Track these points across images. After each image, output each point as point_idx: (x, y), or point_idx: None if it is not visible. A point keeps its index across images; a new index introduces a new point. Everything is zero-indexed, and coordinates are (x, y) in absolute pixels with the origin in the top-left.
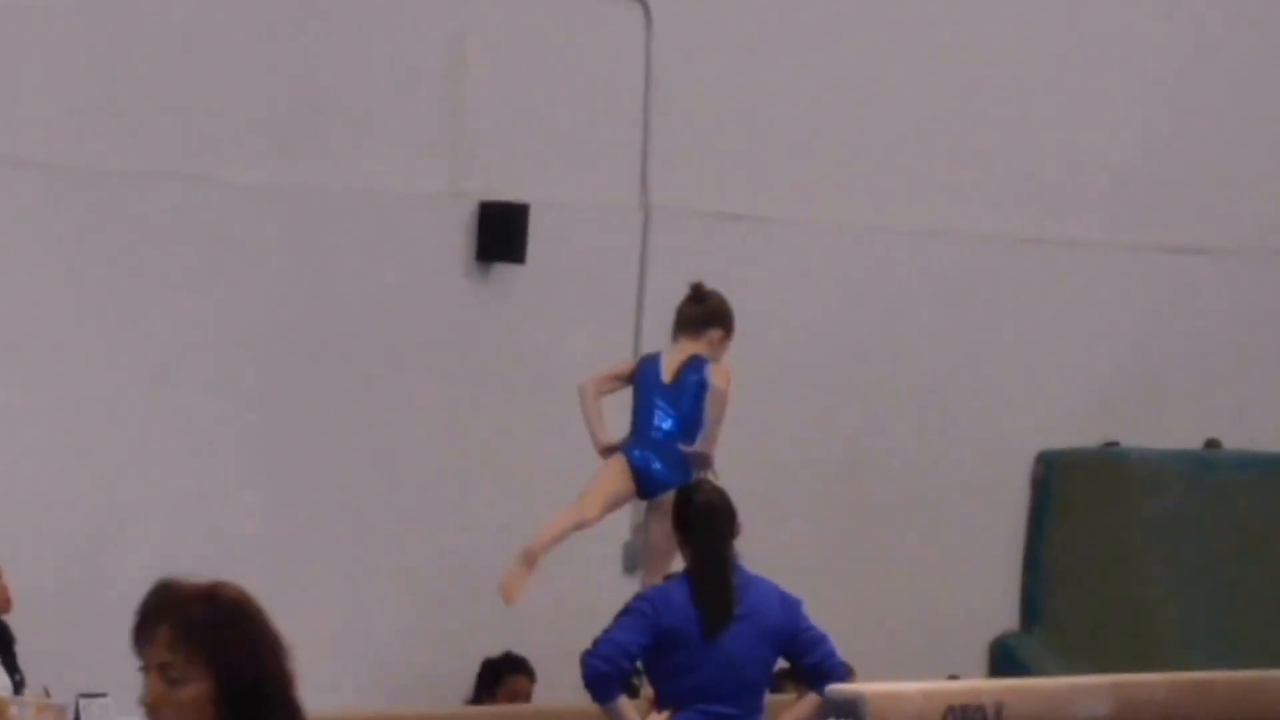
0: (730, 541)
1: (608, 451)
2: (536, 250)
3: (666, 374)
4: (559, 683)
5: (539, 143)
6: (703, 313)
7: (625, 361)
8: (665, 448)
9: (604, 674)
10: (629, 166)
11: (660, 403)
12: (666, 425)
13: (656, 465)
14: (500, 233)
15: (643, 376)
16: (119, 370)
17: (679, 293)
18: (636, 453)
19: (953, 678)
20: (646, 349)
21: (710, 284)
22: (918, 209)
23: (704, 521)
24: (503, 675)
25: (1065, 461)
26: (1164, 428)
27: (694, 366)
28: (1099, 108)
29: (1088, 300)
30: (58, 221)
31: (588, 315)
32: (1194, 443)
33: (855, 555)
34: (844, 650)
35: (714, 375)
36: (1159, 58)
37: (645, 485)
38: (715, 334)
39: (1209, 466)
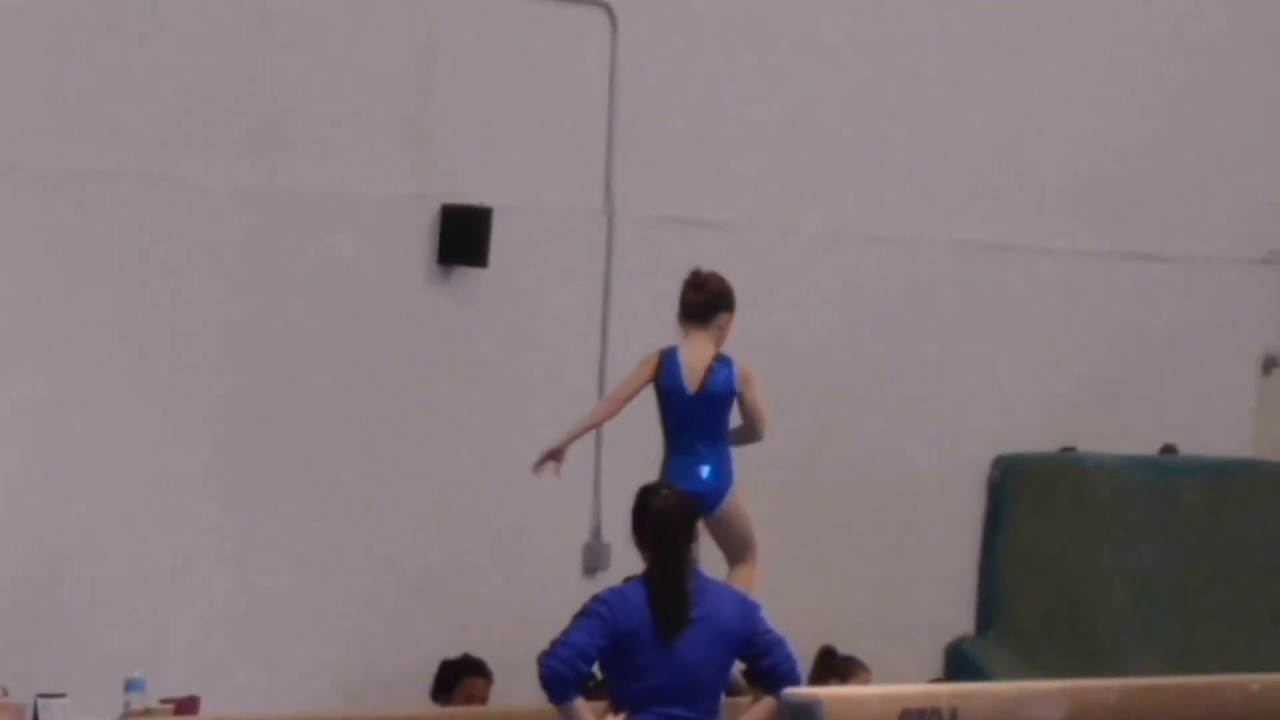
0: (688, 546)
1: (555, 454)
2: (499, 254)
3: (691, 382)
4: (516, 685)
5: (502, 146)
6: (707, 299)
7: (645, 364)
8: (705, 459)
9: (561, 675)
10: (593, 171)
11: (689, 419)
12: (700, 442)
13: (704, 477)
14: (462, 236)
15: (667, 381)
16: (83, 373)
17: (643, 298)
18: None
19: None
20: (611, 354)
21: (673, 292)
22: (880, 216)
23: (661, 526)
24: (460, 677)
25: (1022, 466)
26: (1120, 433)
27: (719, 375)
28: (1060, 115)
29: (1045, 306)
30: (22, 223)
31: (550, 320)
32: (1150, 448)
33: (812, 558)
34: (801, 653)
35: (743, 386)
36: (1119, 67)
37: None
38: (723, 318)
39: (1165, 472)
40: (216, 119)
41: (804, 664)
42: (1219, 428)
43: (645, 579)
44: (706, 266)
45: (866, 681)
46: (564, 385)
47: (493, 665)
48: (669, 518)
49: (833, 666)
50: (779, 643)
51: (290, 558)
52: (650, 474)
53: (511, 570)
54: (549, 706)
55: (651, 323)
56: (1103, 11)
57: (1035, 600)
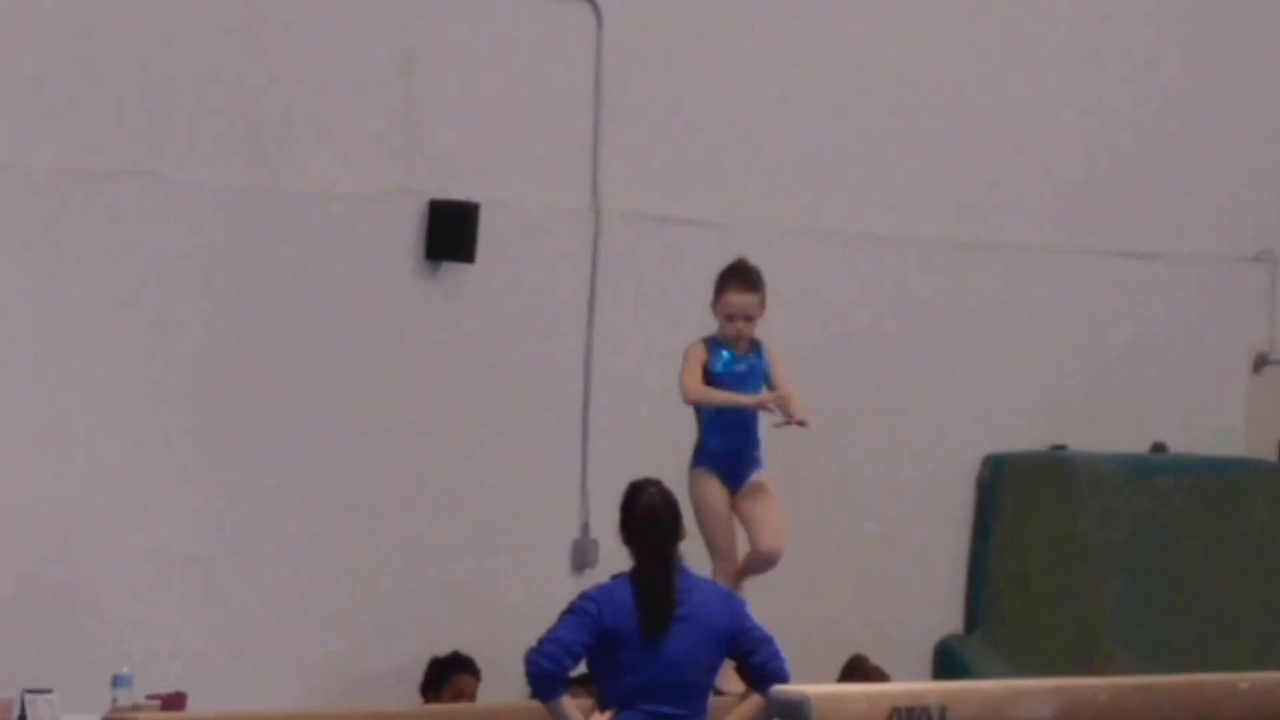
0: (674, 544)
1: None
2: (486, 250)
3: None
4: (505, 682)
5: (490, 142)
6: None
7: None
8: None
9: (548, 672)
10: (580, 168)
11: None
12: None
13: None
14: (450, 232)
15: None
16: (67, 370)
17: (629, 295)
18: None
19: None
20: (597, 350)
21: (659, 288)
22: (865, 213)
23: (647, 524)
24: (448, 674)
25: (1011, 465)
26: (1111, 432)
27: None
28: (1050, 113)
29: (1035, 305)
30: (6, 220)
31: (537, 316)
32: (1140, 447)
33: (800, 557)
34: (789, 651)
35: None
36: (1109, 65)
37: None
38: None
39: (1155, 470)
40: (202, 115)
41: (796, 663)
42: (1210, 426)
43: (632, 576)
44: (693, 263)
45: None
46: (551, 381)
47: (481, 661)
48: (655, 515)
49: (868, 675)
50: (767, 640)
51: (277, 554)
52: (638, 470)
53: (499, 567)
54: (537, 704)
55: (638, 318)
56: (1093, 10)
57: (1024, 599)
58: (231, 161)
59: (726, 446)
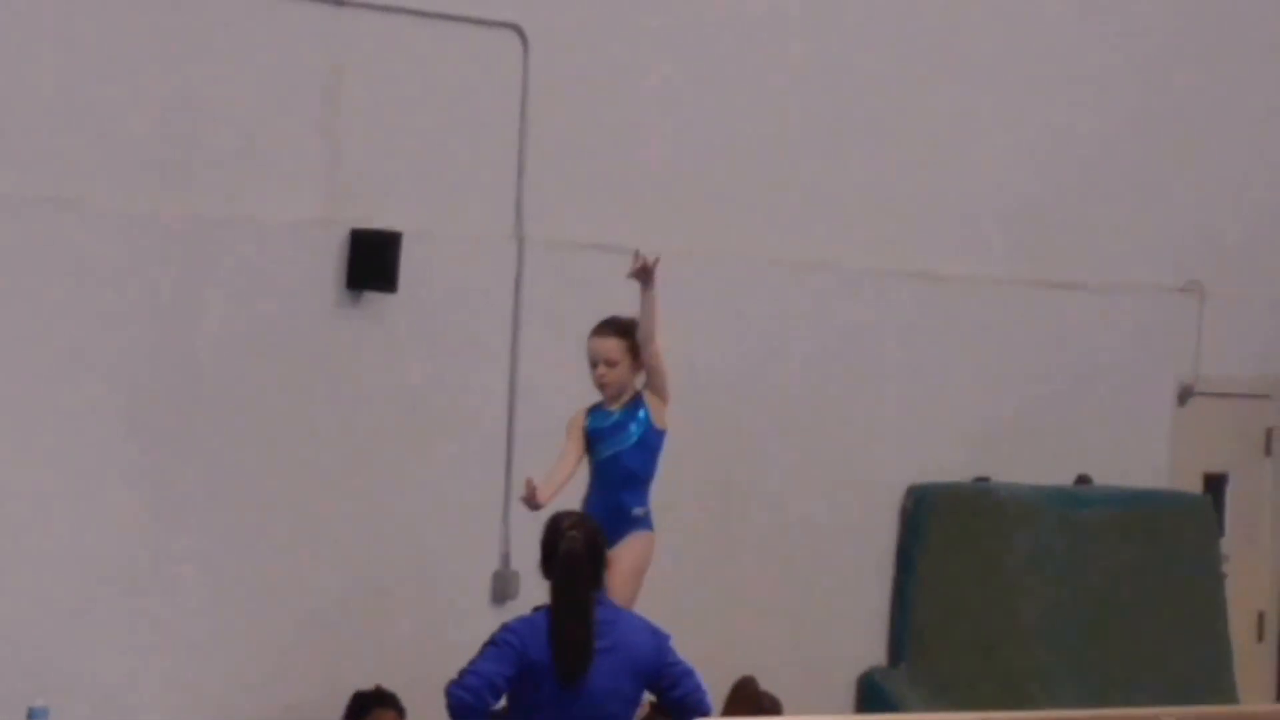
0: (593, 589)
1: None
2: (408, 279)
3: None
4: (425, 714)
5: (412, 170)
6: None
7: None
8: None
9: (468, 705)
10: (504, 195)
11: None
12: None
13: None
14: (371, 261)
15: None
16: None
17: (553, 324)
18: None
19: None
20: (521, 381)
21: (583, 317)
22: (792, 242)
23: (567, 570)
24: (370, 709)
25: (936, 496)
26: (1035, 464)
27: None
28: (980, 144)
29: (960, 335)
30: None
31: (460, 346)
32: (1065, 479)
33: (724, 588)
34: (711, 685)
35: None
36: (1039, 97)
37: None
38: None
39: (1079, 503)
40: (124, 142)
41: (718, 694)
42: (1135, 458)
43: (549, 614)
44: (618, 292)
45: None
46: (473, 411)
47: (400, 693)
48: (576, 562)
49: (755, 702)
50: (688, 674)
51: (197, 586)
52: (561, 502)
53: (420, 598)
54: None
55: (561, 348)
56: (1025, 44)
57: (948, 631)
58: (152, 190)
59: (603, 502)
